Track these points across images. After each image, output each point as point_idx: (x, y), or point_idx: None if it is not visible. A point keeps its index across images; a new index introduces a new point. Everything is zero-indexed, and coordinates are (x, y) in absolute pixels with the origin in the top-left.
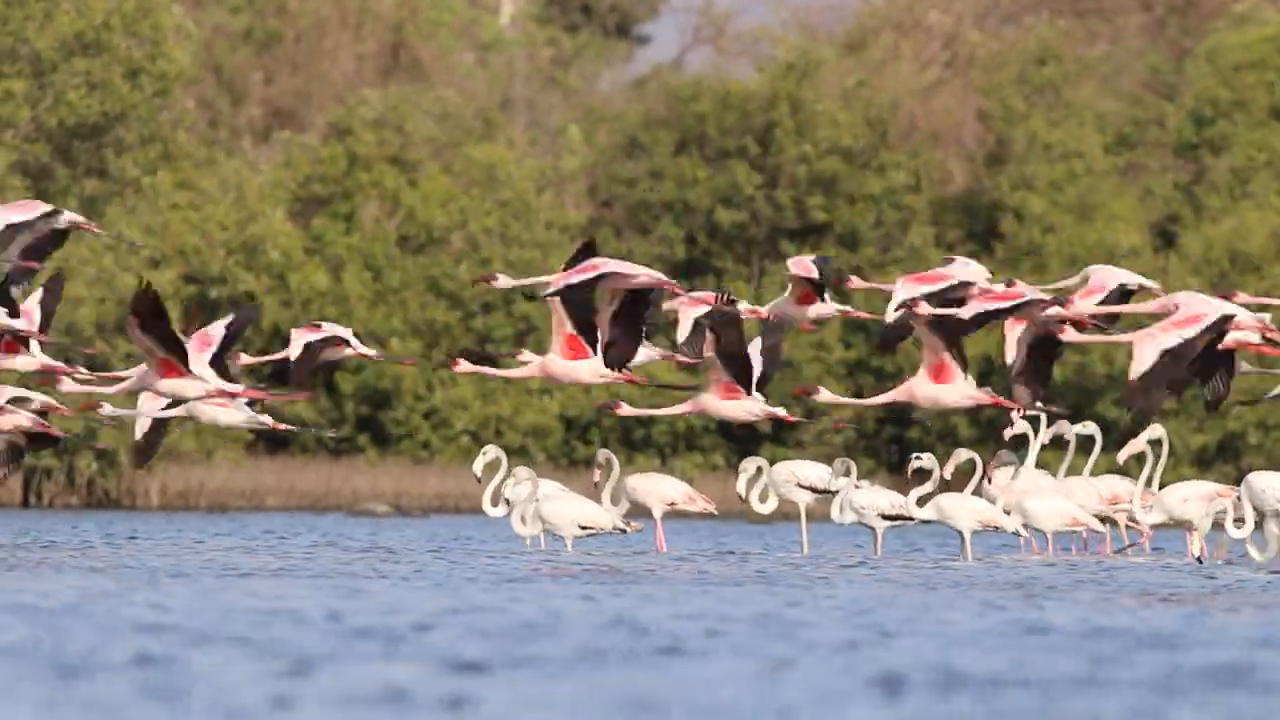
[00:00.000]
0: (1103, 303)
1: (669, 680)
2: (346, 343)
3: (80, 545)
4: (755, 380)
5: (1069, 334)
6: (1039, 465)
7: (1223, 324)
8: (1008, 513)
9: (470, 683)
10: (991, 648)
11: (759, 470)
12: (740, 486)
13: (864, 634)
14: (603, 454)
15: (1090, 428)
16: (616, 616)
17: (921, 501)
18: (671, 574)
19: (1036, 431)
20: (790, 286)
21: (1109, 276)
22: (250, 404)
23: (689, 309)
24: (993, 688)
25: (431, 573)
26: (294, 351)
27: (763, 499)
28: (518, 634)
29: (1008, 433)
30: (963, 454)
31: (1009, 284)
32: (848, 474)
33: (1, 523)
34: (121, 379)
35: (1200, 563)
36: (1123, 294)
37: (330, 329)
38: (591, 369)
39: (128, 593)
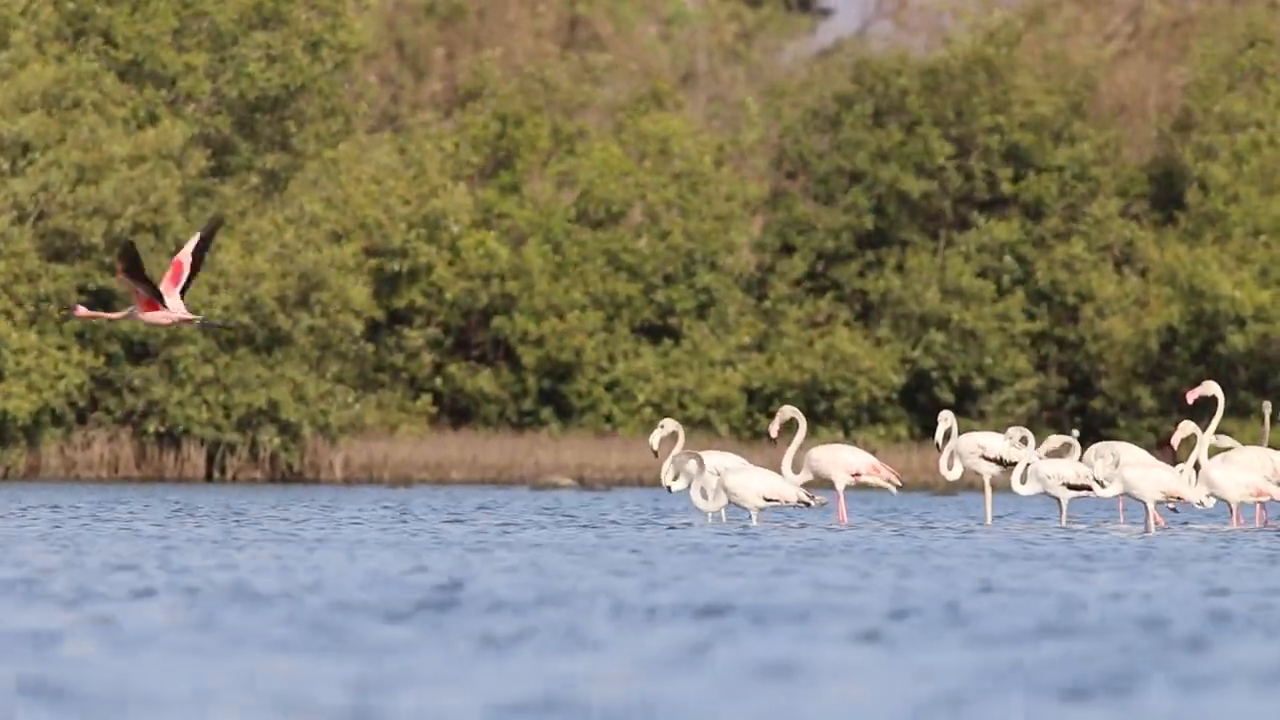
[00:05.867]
0: None
1: None
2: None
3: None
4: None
5: None
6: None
7: None
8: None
9: None
10: None
11: (950, 428)
12: (938, 437)
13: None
14: (788, 410)
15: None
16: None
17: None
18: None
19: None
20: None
21: None
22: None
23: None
24: None
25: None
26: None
27: (949, 465)
28: None
29: (1191, 396)
30: (1061, 438)
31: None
32: (1024, 443)
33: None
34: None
35: None
36: None
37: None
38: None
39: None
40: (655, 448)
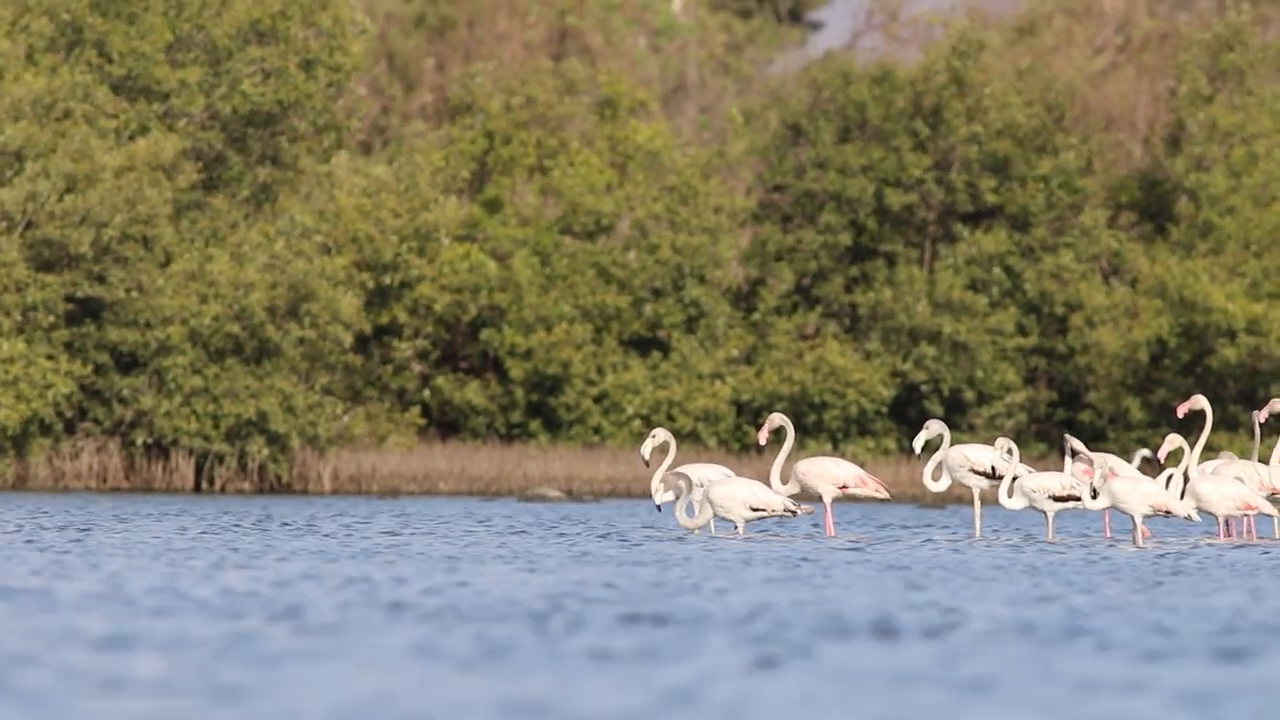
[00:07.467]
0: None
1: None
2: None
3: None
4: None
5: None
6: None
7: None
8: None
9: None
10: None
11: (939, 438)
12: (917, 445)
13: None
14: (778, 417)
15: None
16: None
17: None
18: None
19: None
20: None
21: None
22: None
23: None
24: None
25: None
26: None
27: (935, 477)
28: None
29: (1181, 410)
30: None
31: None
32: (1010, 455)
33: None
34: None
35: None
36: None
37: None
38: None
39: None
40: (646, 458)
